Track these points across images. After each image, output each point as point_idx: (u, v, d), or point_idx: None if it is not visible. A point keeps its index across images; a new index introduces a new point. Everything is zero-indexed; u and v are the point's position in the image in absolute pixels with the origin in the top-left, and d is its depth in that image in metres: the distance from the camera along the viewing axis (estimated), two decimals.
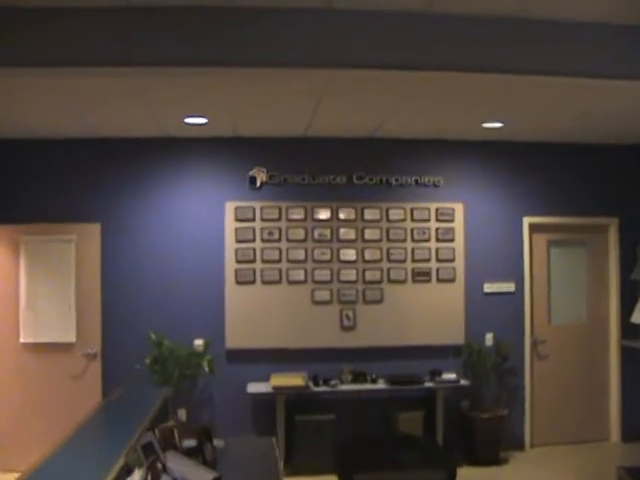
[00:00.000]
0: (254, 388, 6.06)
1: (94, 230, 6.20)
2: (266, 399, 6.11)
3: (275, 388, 5.92)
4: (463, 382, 6.25)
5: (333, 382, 6.12)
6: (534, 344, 6.77)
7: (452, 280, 6.59)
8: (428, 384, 6.16)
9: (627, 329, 6.80)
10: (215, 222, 6.38)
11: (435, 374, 6.24)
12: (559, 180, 6.83)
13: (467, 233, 6.65)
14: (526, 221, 6.76)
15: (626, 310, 6.80)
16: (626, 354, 6.84)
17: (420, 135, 6.45)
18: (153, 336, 5.98)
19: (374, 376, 6.23)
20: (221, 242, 6.37)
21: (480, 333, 6.62)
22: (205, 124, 5.71)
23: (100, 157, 6.29)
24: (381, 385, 6.15)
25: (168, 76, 4.19)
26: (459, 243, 6.62)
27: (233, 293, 6.33)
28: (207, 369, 5.91)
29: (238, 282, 6.34)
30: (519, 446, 6.63)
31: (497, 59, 4.12)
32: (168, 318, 6.24)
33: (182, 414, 6.09)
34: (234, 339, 6.33)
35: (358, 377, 6.21)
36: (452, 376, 6.27)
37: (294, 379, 6.11)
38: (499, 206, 6.74)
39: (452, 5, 3.78)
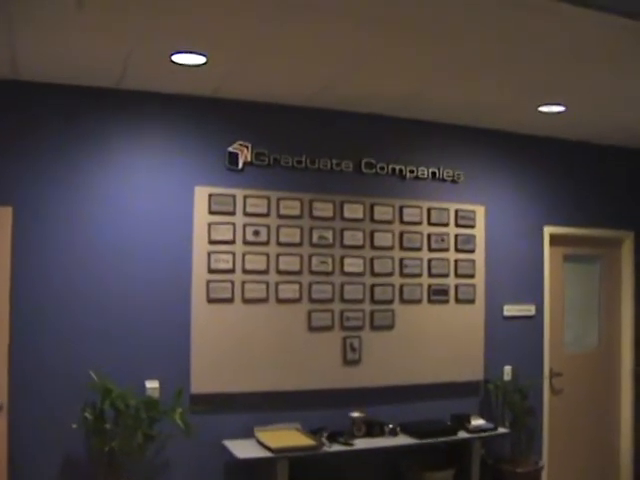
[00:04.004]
0: (242, 451, 4.24)
1: (2, 216, 4.07)
2: (251, 463, 4.34)
3: (277, 450, 4.17)
4: (501, 430, 4.95)
5: (342, 438, 4.51)
6: (550, 377, 5.66)
7: (472, 301, 5.28)
8: (462, 434, 4.77)
9: None
10: (179, 214, 4.51)
11: (463, 420, 4.88)
12: (578, 185, 5.82)
13: (488, 242, 5.40)
14: (547, 231, 5.66)
15: None
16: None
17: (444, 118, 5.13)
18: (95, 377, 4.00)
19: (391, 426, 4.72)
20: (187, 242, 4.51)
21: (499, 366, 5.38)
22: (201, 66, 3.88)
23: (16, 110, 4.16)
24: (407, 439, 4.62)
25: None
26: (480, 254, 5.34)
27: (203, 315, 4.50)
28: (182, 426, 4.02)
29: (210, 300, 4.52)
30: None
31: None
32: (109, 350, 4.26)
33: None
34: (202, 380, 4.49)
35: (373, 428, 4.66)
36: (483, 422, 4.94)
37: (291, 435, 4.44)
38: (521, 212, 5.57)
39: None
